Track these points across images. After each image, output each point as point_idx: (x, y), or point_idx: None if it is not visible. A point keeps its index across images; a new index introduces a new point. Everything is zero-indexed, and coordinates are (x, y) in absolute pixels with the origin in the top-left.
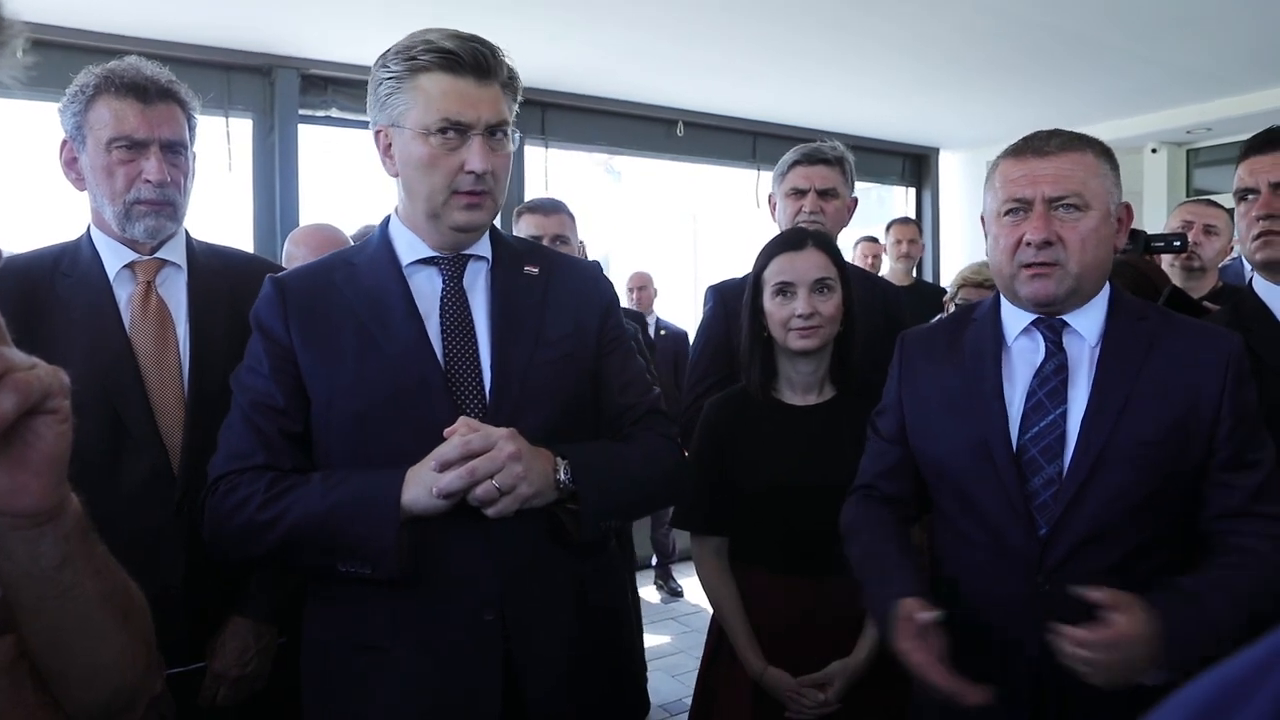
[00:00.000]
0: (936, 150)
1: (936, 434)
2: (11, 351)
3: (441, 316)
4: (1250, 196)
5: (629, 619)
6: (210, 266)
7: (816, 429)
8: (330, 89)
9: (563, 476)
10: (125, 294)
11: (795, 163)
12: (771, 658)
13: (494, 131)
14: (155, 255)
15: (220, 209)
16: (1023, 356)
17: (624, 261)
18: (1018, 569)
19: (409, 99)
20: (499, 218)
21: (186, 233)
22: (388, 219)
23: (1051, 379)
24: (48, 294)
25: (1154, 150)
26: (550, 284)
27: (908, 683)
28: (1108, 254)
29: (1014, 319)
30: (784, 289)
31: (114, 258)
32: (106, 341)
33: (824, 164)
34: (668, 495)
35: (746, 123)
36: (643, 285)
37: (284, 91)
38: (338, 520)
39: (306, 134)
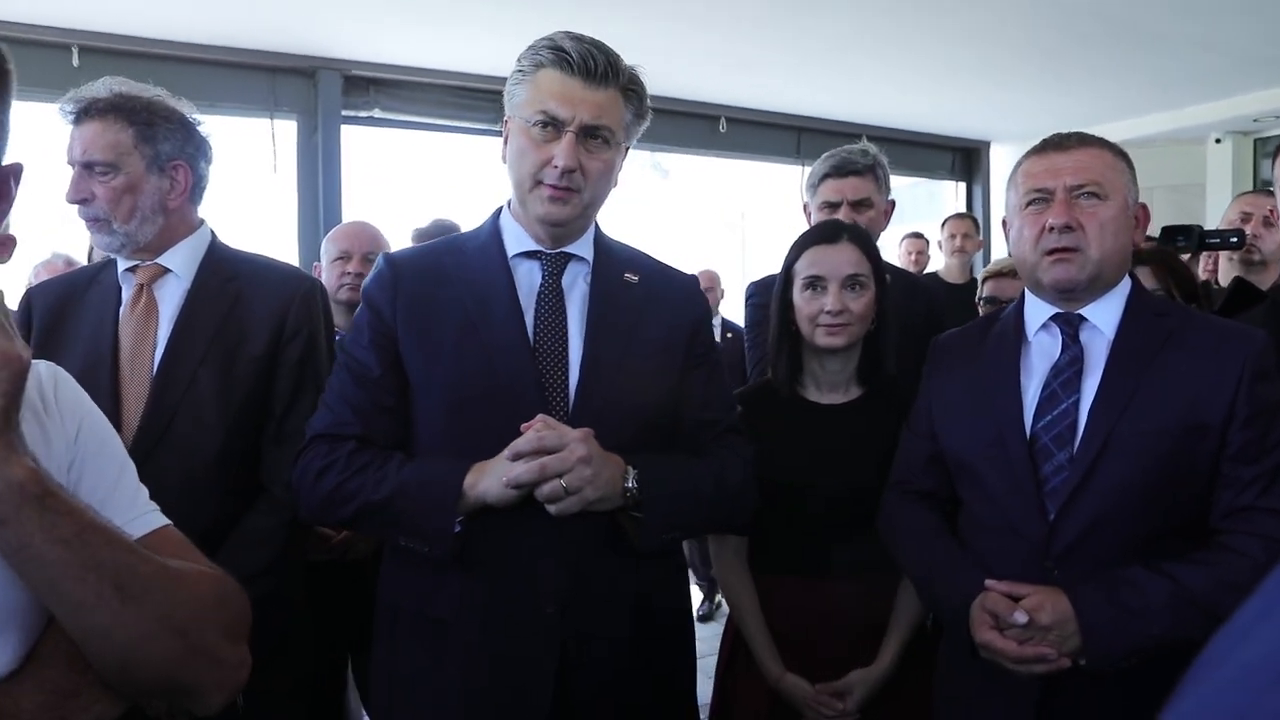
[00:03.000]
0: (988, 144)
1: (958, 426)
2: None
3: (536, 314)
4: None
5: (688, 627)
6: (223, 274)
7: (840, 429)
8: (372, 90)
9: (630, 485)
10: (128, 295)
11: (825, 175)
12: (789, 662)
13: (591, 133)
14: (155, 261)
15: (265, 209)
16: (1041, 350)
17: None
18: (1028, 554)
19: (525, 92)
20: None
21: (213, 240)
22: (500, 210)
23: (1066, 370)
24: (78, 300)
25: (1218, 140)
26: (647, 295)
27: (925, 693)
28: (1127, 244)
29: (1035, 314)
30: (814, 283)
31: (122, 262)
32: (99, 334)
33: (855, 175)
34: (731, 514)
35: (790, 118)
36: (709, 286)
37: (327, 92)
38: (403, 500)
39: (349, 134)
